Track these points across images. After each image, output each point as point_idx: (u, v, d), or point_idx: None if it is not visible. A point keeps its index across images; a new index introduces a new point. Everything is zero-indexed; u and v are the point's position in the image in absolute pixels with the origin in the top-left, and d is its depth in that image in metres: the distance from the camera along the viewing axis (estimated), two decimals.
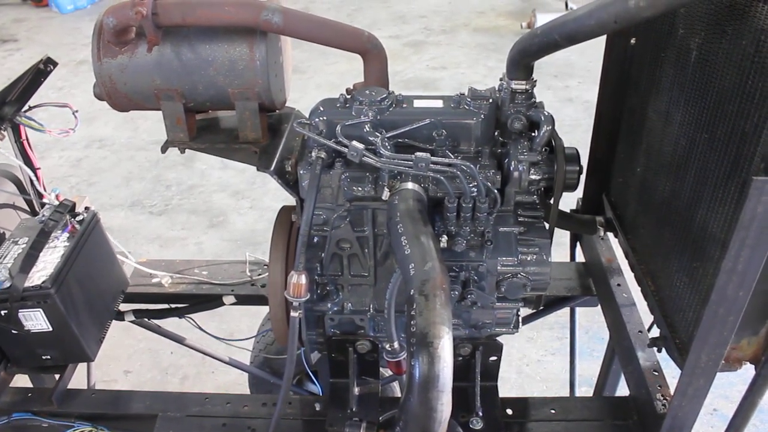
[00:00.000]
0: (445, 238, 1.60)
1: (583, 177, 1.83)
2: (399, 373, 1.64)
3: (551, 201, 1.72)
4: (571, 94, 6.51)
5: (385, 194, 1.58)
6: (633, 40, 1.91)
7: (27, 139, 2.12)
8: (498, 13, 8.77)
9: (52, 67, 2.03)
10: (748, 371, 1.51)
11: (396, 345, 1.59)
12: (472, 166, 1.52)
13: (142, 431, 1.86)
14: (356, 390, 1.84)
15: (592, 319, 3.68)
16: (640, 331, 1.93)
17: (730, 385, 3.26)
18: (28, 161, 2.15)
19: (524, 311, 2.19)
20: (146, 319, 2.42)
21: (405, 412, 1.29)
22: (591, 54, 6.64)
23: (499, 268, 1.66)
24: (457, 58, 7.51)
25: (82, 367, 2.13)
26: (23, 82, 1.96)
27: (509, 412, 1.84)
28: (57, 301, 1.72)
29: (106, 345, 1.99)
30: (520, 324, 1.85)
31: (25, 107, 2.02)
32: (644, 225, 1.88)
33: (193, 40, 1.65)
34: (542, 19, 7.29)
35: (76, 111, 2.06)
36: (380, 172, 1.60)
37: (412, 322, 1.26)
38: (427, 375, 1.22)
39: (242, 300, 2.37)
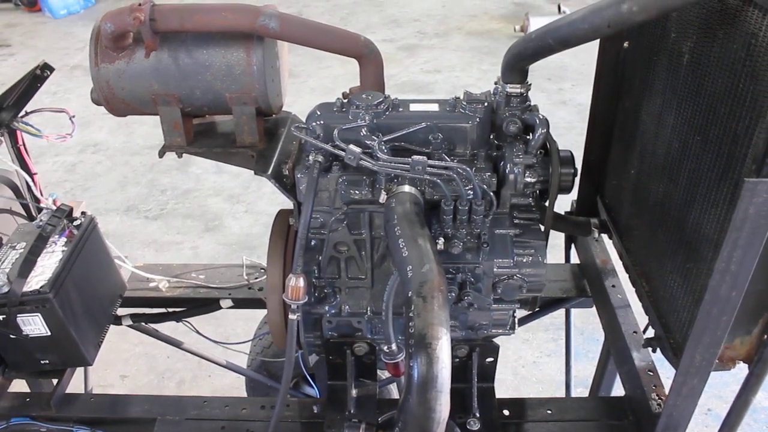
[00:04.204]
0: (441, 241, 1.61)
1: (577, 179, 1.85)
2: (397, 375, 1.65)
3: (546, 203, 1.74)
4: (564, 97, 6.54)
5: (382, 197, 1.59)
6: (626, 44, 1.93)
7: (24, 145, 2.12)
8: (491, 16, 8.81)
9: (48, 73, 2.03)
10: (741, 371, 1.52)
11: (394, 347, 1.60)
12: (468, 168, 1.54)
13: None
14: (354, 392, 1.85)
15: (586, 321, 3.69)
16: (634, 332, 1.95)
17: (723, 385, 3.28)
18: (24, 166, 2.15)
19: (520, 313, 2.21)
20: (143, 323, 2.42)
21: (404, 413, 1.30)
22: (584, 57, 6.68)
23: (495, 269, 1.68)
24: (451, 62, 7.53)
25: (78, 371, 2.14)
26: (20, 87, 1.96)
27: (506, 412, 1.85)
28: (55, 305, 1.72)
29: (101, 349, 1.99)
30: (516, 325, 1.86)
31: (22, 113, 2.02)
32: (638, 226, 1.90)
33: (191, 46, 1.66)
34: (535, 23, 7.32)
35: (73, 116, 2.06)
36: (377, 175, 1.61)
37: (410, 324, 1.27)
38: (425, 376, 1.23)
39: (239, 303, 2.37)
